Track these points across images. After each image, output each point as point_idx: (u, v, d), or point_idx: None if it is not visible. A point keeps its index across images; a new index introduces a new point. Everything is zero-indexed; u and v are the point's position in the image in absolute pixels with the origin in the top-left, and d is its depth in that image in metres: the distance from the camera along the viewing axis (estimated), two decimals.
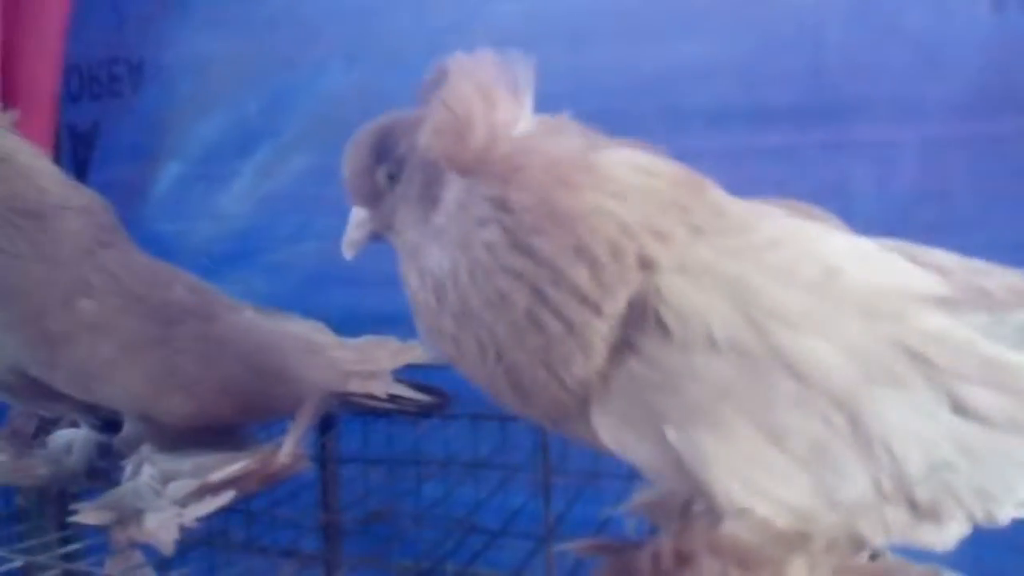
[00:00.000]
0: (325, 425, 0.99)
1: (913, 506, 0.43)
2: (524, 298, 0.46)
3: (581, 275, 0.46)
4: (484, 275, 0.47)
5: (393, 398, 0.90)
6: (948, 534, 0.44)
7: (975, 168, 0.89)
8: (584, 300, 0.45)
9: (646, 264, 0.46)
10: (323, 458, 0.99)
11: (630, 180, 0.48)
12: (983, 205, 0.89)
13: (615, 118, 1.01)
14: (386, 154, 0.54)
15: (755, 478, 0.43)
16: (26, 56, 1.09)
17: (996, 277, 0.49)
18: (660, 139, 1.00)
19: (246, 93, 1.17)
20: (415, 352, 0.89)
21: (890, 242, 0.51)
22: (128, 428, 0.79)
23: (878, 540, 0.44)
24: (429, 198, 0.51)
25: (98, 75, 1.26)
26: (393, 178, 0.54)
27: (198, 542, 0.84)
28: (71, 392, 0.76)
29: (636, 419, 0.45)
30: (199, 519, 0.73)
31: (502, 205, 0.47)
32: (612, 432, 0.45)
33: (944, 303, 0.46)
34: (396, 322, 0.91)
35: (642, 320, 0.45)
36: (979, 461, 0.44)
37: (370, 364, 0.89)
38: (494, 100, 0.49)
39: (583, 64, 1.00)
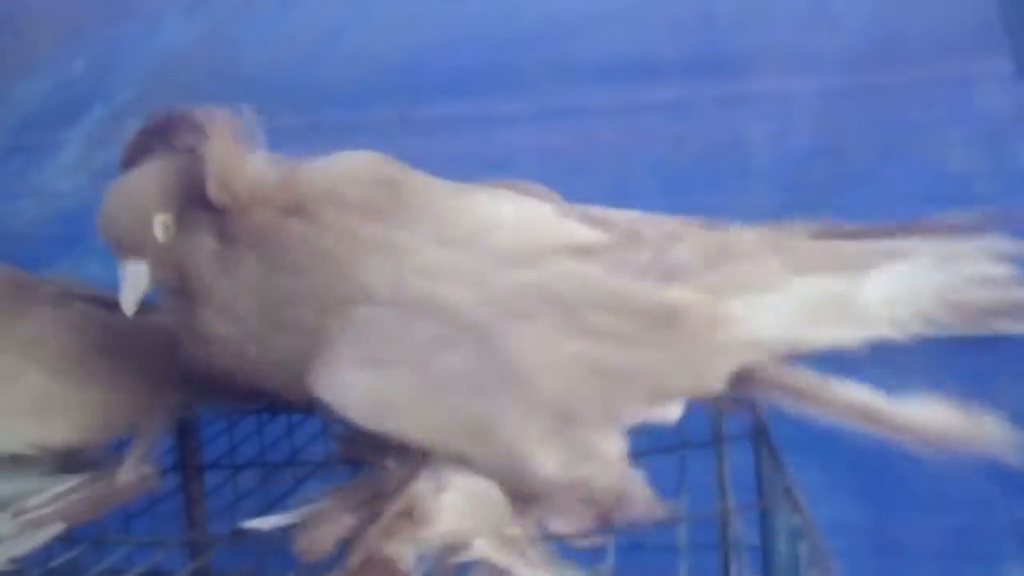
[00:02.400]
0: (185, 427, 0.87)
1: (555, 415, 0.52)
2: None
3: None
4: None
5: None
6: (605, 446, 0.53)
7: (870, 120, 0.87)
8: None
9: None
10: (184, 465, 0.86)
11: (309, 191, 0.58)
12: (878, 158, 0.88)
13: (498, 72, 0.94)
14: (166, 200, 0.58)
15: (412, 411, 0.52)
16: None
17: (659, 225, 0.60)
18: (547, 94, 0.95)
19: (69, 50, 1.01)
20: None
21: (578, 206, 0.60)
22: None
23: (538, 454, 0.51)
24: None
25: None
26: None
27: None
28: None
29: (332, 366, 0.53)
30: (14, 560, 0.61)
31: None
32: (318, 381, 0.53)
33: (585, 250, 0.56)
34: None
35: (336, 291, 0.54)
36: (604, 374, 0.53)
37: None
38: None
39: (460, 13, 0.91)
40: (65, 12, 1.01)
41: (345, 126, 0.94)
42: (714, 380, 0.55)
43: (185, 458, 0.88)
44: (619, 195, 0.97)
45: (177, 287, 0.59)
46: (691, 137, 0.90)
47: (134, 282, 0.58)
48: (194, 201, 0.58)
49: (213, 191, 0.56)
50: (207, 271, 0.58)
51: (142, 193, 0.59)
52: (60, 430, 0.66)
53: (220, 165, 0.57)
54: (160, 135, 0.61)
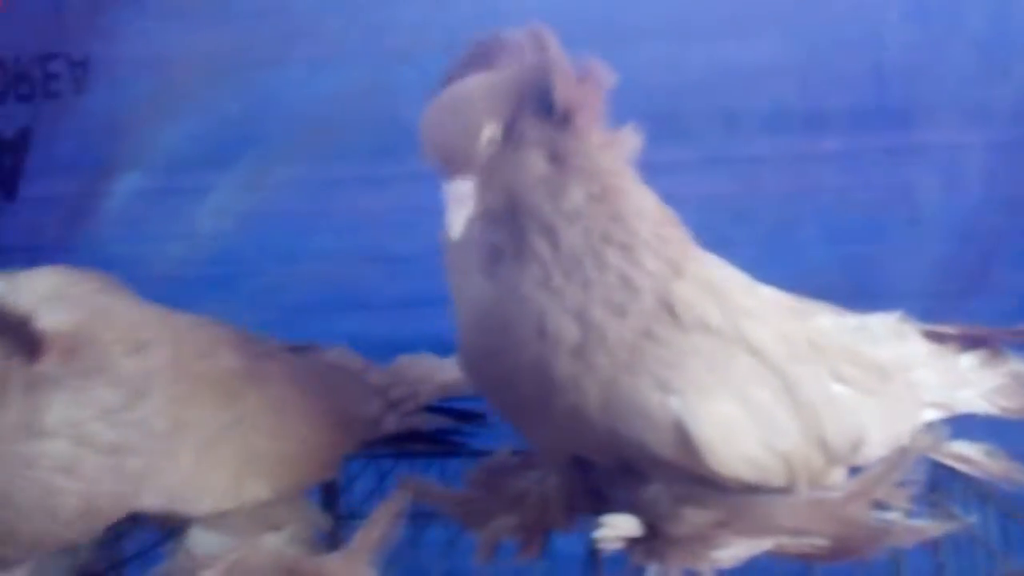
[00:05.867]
0: (329, 490, 0.82)
1: (825, 450, 0.57)
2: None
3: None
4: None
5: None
6: (840, 477, 0.60)
7: None
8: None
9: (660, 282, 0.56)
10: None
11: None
12: None
13: (663, 121, 0.94)
14: (496, 109, 0.53)
15: (730, 437, 0.54)
16: None
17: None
18: (712, 144, 0.95)
19: (222, 94, 1.01)
20: None
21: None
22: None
23: (803, 482, 0.57)
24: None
25: (29, 72, 1.07)
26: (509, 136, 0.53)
27: None
28: None
29: (644, 392, 0.53)
30: None
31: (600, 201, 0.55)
32: (620, 409, 0.54)
33: (811, 313, 0.63)
34: (416, 348, 0.80)
35: (658, 314, 0.55)
36: (853, 414, 0.59)
37: (407, 388, 0.75)
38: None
39: (627, 63, 0.91)
40: (216, 59, 1.02)
41: None
42: (914, 429, 0.63)
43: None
44: (782, 243, 0.98)
45: (503, 213, 0.53)
46: (857, 188, 0.90)
47: (461, 201, 0.52)
48: (525, 113, 0.52)
49: (561, 93, 0.52)
50: (536, 195, 0.53)
51: (471, 100, 0.53)
52: (263, 486, 0.63)
53: (566, 69, 0.53)
54: (486, 62, 0.57)
